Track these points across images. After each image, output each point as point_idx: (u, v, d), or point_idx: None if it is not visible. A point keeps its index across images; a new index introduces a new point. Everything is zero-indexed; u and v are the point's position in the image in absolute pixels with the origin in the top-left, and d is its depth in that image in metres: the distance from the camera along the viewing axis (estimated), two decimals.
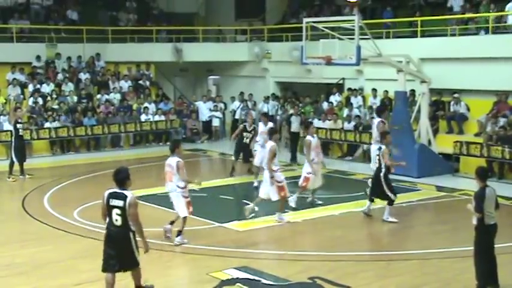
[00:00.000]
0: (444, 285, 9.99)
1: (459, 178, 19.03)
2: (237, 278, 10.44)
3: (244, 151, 18.68)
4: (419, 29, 23.05)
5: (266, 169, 13.99)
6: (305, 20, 20.35)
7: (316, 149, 15.39)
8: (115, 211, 9.07)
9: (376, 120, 16.97)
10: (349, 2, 26.72)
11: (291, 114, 23.18)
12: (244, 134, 18.65)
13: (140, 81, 28.84)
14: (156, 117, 26.41)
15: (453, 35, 22.75)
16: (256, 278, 10.45)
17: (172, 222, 12.60)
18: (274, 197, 13.96)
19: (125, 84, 28.08)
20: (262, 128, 18.10)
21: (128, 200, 9.01)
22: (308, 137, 15.48)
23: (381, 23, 24.44)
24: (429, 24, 23.46)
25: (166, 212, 13.77)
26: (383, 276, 10.68)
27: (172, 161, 12.20)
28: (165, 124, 26.42)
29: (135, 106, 26.83)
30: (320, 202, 15.74)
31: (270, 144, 14.04)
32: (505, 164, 18.56)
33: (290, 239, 13.12)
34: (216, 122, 27.80)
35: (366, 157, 22.05)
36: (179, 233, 12.37)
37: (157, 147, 25.44)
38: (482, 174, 9.93)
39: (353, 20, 18.75)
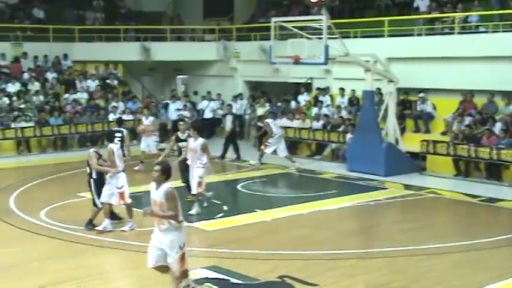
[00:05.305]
0: (411, 283, 10.05)
1: (426, 176, 19.25)
2: (206, 278, 10.40)
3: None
4: (386, 28, 23.23)
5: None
6: (273, 19, 20.36)
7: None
8: None
9: None
10: (314, 2, 26.81)
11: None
12: (180, 144, 15.56)
13: (108, 81, 28.62)
14: (124, 117, 26.12)
15: (420, 34, 22.99)
16: (225, 277, 10.44)
17: None
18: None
19: (92, 84, 27.86)
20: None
21: None
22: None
23: (349, 22, 24.56)
24: (396, 24, 23.67)
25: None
26: (351, 274, 10.72)
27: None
28: (133, 123, 26.19)
29: (102, 105, 26.60)
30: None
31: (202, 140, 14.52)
32: (470, 162, 18.78)
33: (259, 238, 13.11)
34: None
35: (334, 156, 22.18)
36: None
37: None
38: None
39: (321, 20, 18.82)
